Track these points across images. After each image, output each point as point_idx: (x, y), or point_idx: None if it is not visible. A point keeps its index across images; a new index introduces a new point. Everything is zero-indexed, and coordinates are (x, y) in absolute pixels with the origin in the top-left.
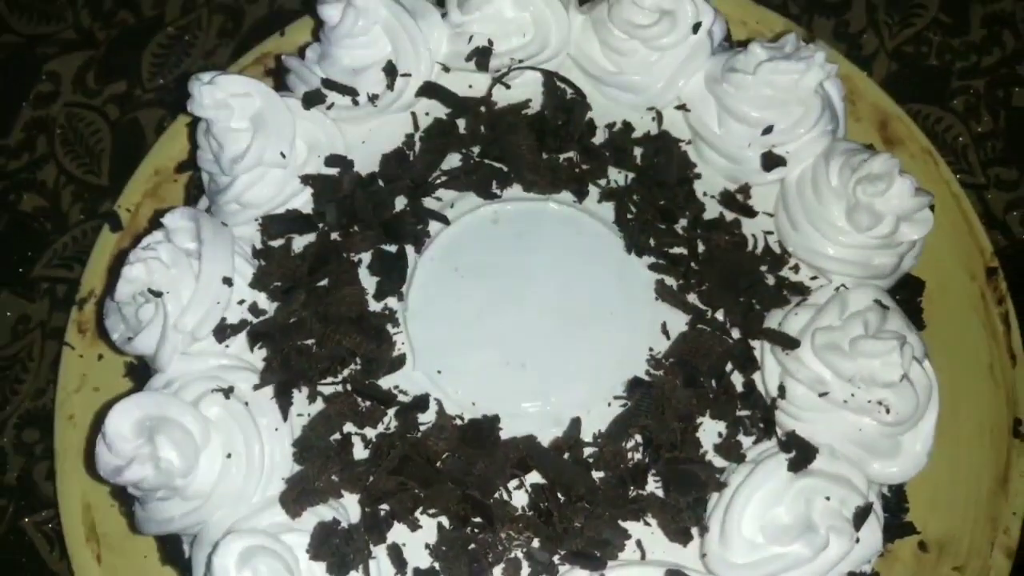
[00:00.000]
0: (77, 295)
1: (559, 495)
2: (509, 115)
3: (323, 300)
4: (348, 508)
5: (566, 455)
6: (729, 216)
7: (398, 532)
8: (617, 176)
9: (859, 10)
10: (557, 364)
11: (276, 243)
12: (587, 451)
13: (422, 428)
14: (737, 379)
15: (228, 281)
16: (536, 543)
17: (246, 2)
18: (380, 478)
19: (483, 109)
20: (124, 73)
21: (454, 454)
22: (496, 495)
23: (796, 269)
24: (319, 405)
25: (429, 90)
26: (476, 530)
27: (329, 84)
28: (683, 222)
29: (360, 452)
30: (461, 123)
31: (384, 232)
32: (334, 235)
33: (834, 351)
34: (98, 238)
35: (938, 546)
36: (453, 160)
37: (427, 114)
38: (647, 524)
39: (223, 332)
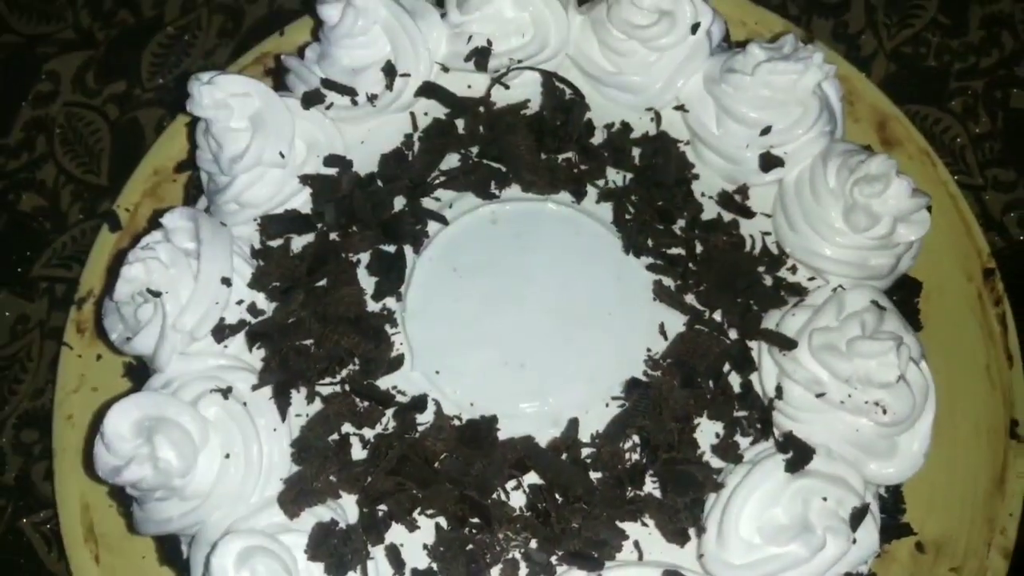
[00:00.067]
0: (76, 295)
1: (557, 496)
2: (508, 115)
3: (321, 300)
4: (346, 508)
5: (564, 456)
6: (727, 217)
7: (396, 532)
8: (615, 176)
9: (858, 11)
10: (555, 365)
11: (275, 243)
12: (585, 452)
13: (420, 428)
14: (735, 380)
15: (227, 281)
16: (534, 544)
17: (246, 2)
18: (378, 478)
19: (482, 109)
20: (124, 73)
21: (452, 455)
22: (494, 496)
23: (794, 270)
24: (317, 405)
25: (428, 90)
26: (474, 531)
27: (328, 84)
28: (681, 223)
29: (358, 452)
30: (460, 123)
31: (383, 232)
32: (333, 235)
33: (831, 352)
34: (97, 238)
35: (935, 547)
36: (452, 160)
37: (426, 114)
38: (645, 525)
39: (222, 332)
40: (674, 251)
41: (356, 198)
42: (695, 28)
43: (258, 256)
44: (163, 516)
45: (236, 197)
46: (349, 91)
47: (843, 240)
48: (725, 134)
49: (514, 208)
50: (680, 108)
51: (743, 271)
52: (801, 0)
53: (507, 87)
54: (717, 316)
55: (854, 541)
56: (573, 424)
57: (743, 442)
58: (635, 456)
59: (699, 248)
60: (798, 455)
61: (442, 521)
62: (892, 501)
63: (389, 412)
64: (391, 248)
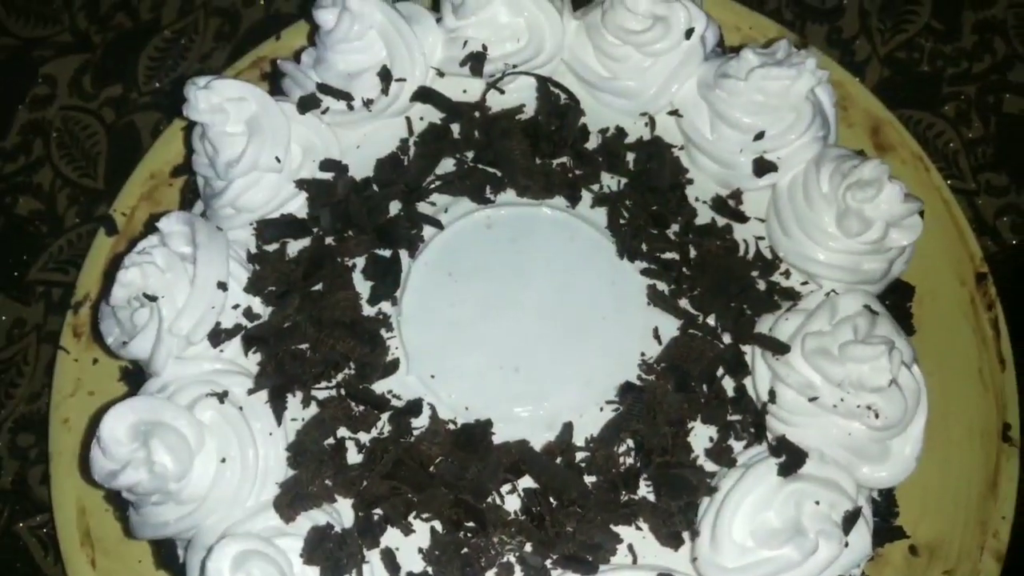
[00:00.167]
0: (72, 299)
1: (551, 499)
2: (503, 120)
3: (317, 304)
4: (342, 512)
5: (558, 460)
6: (721, 221)
7: (391, 536)
8: (610, 181)
9: (852, 16)
10: (550, 369)
11: (271, 247)
12: (579, 456)
13: (415, 432)
14: (728, 384)
15: (223, 285)
16: (528, 547)
17: (242, 6)
18: (373, 482)
19: (477, 114)
20: (120, 76)
21: (447, 458)
22: (489, 499)
23: (787, 274)
24: (313, 410)
25: (424, 95)
26: (469, 534)
27: (324, 89)
28: (675, 227)
29: (354, 456)
30: (455, 128)
31: (378, 237)
32: (328, 239)
33: (824, 356)
34: (93, 242)
35: (928, 550)
36: (447, 165)
37: (421, 119)
38: (639, 528)
39: (218, 336)
40: (668, 256)
41: (352, 202)
42: (689, 33)
43: (254, 260)
44: (159, 520)
45: (232, 201)
46: (345, 96)
47: (836, 245)
48: (719, 139)
49: (509, 213)
50: (674, 113)
51: (737, 275)
52: (795, 5)
53: (502, 92)
54: (711, 320)
55: (846, 544)
56: (567, 428)
57: (736, 446)
58: (629, 460)
59: (693, 253)
60: (791, 459)
61: (437, 525)
62: (885, 504)
63: (384, 416)
64: (387, 252)
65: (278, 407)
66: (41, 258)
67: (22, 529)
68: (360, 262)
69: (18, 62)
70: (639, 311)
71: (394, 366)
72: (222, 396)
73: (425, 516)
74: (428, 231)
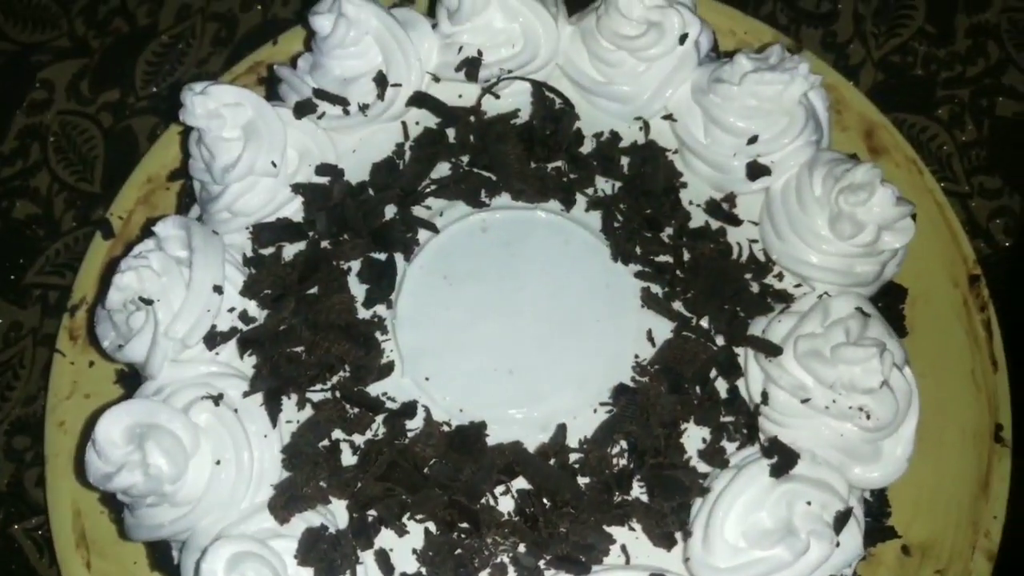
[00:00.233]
0: (69, 302)
1: (545, 500)
2: (498, 125)
3: (313, 308)
4: (336, 514)
5: (552, 461)
6: (714, 225)
7: (385, 537)
8: (604, 185)
9: (846, 20)
10: (544, 371)
11: (266, 251)
12: (573, 457)
13: (410, 434)
14: (721, 385)
15: (219, 289)
16: (522, 548)
17: (240, 11)
18: (368, 484)
19: (472, 119)
20: (118, 81)
21: (441, 460)
22: (483, 501)
23: (780, 277)
24: (308, 412)
25: (419, 100)
26: (463, 535)
27: (320, 94)
28: (669, 231)
29: (348, 458)
30: (451, 132)
31: (373, 240)
32: (324, 243)
33: (816, 358)
34: (90, 245)
35: (920, 550)
36: (442, 169)
37: (417, 123)
38: (632, 529)
39: (213, 339)
40: (662, 259)
41: (347, 207)
42: (683, 39)
43: (250, 264)
44: (154, 522)
45: (228, 206)
46: (341, 101)
47: (829, 248)
48: (712, 143)
49: (504, 216)
50: (668, 117)
51: (730, 278)
52: (790, 10)
53: (497, 97)
54: (704, 323)
55: (837, 544)
56: (561, 430)
57: (729, 447)
58: (622, 461)
59: (687, 256)
60: (783, 460)
61: (431, 526)
62: (877, 505)
63: (379, 418)
64: (382, 256)
65: (273, 409)
66: (38, 261)
67: (18, 531)
68: (355, 265)
69: (16, 67)
70: (633, 313)
71: (389, 368)
72: (217, 399)
73: (419, 517)
74: (423, 234)
